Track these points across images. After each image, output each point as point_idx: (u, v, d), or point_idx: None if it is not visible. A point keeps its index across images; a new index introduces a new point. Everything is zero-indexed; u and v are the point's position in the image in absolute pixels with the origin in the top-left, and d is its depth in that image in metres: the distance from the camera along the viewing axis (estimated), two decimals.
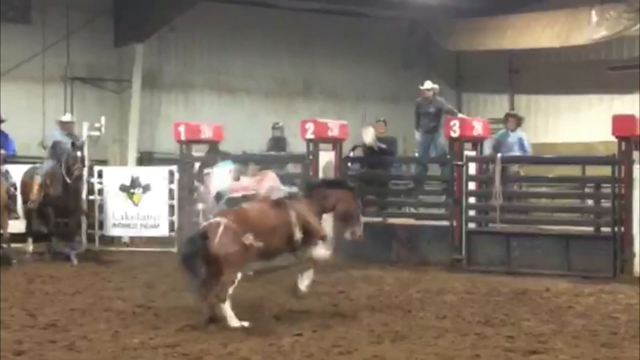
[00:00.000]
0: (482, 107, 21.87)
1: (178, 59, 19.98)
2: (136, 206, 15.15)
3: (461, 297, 10.36)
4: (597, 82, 19.99)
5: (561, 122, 20.67)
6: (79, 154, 14.00)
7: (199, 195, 12.79)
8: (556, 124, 20.45)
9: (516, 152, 14.12)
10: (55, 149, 14.09)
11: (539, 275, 11.95)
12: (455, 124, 13.19)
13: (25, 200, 14.10)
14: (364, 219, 9.57)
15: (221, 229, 8.31)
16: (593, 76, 20.01)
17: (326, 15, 21.09)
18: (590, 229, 12.90)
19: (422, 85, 14.85)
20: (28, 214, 14.18)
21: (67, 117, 14.93)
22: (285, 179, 10.63)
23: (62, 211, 14.05)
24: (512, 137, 14.34)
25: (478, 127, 13.45)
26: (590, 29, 18.87)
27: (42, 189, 13.95)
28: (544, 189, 14.68)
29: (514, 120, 14.69)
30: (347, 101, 21.18)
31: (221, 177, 9.89)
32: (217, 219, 8.56)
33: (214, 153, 12.53)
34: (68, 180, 13.74)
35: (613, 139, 12.40)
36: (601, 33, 18.75)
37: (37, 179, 14.06)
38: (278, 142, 17.15)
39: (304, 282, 9.00)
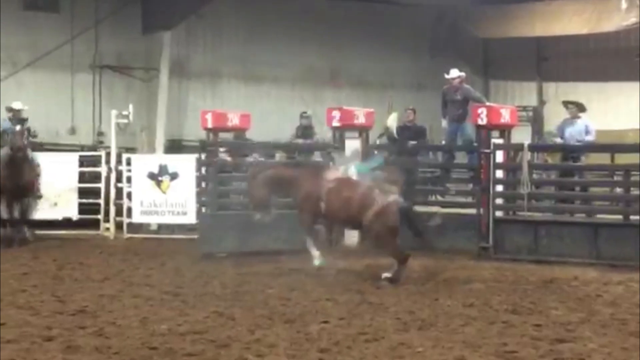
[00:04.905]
0: (510, 94, 21.73)
1: (206, 47, 20.01)
2: (164, 194, 15.23)
3: (488, 285, 10.32)
4: (626, 69, 19.76)
5: (590, 110, 20.46)
6: (18, 127, 13.82)
7: None
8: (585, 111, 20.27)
9: (584, 139, 13.97)
10: (2, 137, 13.99)
11: (567, 264, 11.86)
12: (482, 112, 13.11)
13: None
14: None
15: None
16: (623, 63, 19.80)
17: (353, 2, 21.03)
18: (619, 217, 12.77)
19: (448, 73, 14.77)
20: None
21: (17, 105, 14.58)
22: None
23: (21, 194, 13.97)
24: (580, 125, 14.21)
25: (505, 115, 13.36)
26: (619, 15, 18.70)
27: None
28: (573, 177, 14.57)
29: (575, 107, 14.54)
30: (373, 89, 21.12)
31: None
32: None
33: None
34: (14, 156, 13.59)
35: None
36: (631, 19, 18.57)
37: None
38: (305, 131, 17.16)
39: None
